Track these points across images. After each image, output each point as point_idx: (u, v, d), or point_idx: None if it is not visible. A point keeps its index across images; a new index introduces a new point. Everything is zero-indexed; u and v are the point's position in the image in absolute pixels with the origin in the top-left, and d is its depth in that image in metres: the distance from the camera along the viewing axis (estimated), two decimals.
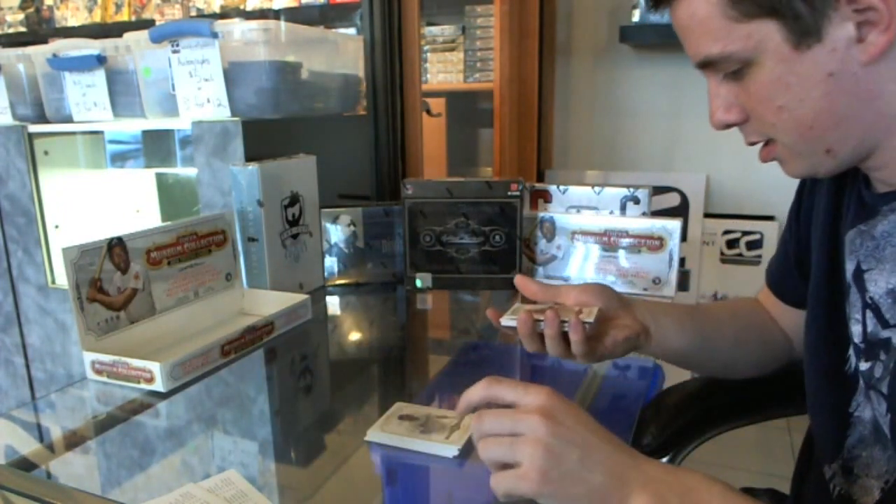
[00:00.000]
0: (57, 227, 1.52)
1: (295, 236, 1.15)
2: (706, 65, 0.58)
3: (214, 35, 1.14)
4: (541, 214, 1.23)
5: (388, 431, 0.69)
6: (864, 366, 0.60)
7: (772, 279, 0.84)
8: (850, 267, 0.62)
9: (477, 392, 0.55)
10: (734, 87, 0.58)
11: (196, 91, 1.20)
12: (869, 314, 0.59)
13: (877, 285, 0.58)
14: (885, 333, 0.58)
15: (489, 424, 0.52)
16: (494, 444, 0.51)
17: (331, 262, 1.26)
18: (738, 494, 0.49)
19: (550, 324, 0.67)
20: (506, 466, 0.50)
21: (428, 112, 2.12)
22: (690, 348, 0.79)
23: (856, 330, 0.61)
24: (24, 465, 0.69)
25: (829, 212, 0.67)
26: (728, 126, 0.61)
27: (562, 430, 0.49)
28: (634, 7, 1.86)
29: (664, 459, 0.78)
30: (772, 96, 0.55)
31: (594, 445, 0.49)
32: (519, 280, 0.76)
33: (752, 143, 0.62)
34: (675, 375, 0.91)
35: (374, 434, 0.69)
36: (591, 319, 0.68)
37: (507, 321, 0.71)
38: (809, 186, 0.74)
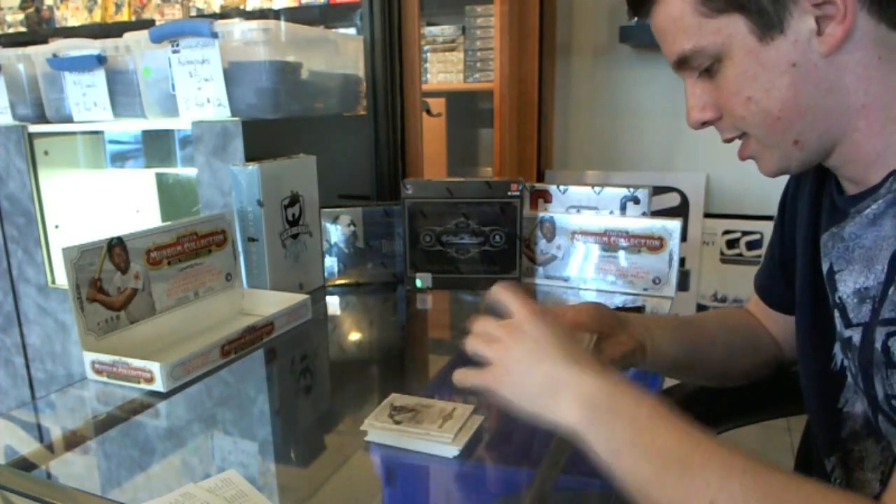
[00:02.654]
0: (57, 227, 1.52)
1: (295, 236, 1.15)
2: (681, 63, 0.61)
3: (214, 35, 1.14)
4: (541, 214, 1.23)
5: (381, 422, 0.69)
6: (846, 362, 0.63)
7: (760, 286, 0.86)
8: (824, 268, 0.64)
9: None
10: (707, 85, 0.61)
11: (196, 91, 1.20)
12: (836, 314, 0.62)
13: (845, 285, 0.60)
14: (847, 332, 0.60)
15: (478, 327, 0.63)
16: (475, 340, 0.62)
17: (331, 262, 1.26)
18: (670, 411, 0.52)
19: None
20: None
21: (428, 112, 2.12)
22: (684, 361, 0.81)
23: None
24: (24, 465, 0.69)
25: (810, 216, 0.70)
26: (704, 124, 0.64)
27: (523, 338, 0.58)
28: None
29: None
30: (740, 88, 0.58)
31: (544, 355, 0.57)
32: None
33: (728, 140, 0.65)
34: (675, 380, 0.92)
35: (368, 424, 0.70)
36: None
37: None
38: (792, 193, 0.76)
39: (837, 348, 0.64)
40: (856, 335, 0.58)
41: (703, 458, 0.48)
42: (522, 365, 0.57)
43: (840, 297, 0.61)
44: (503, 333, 0.60)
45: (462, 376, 0.62)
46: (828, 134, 0.58)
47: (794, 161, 0.61)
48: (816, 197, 0.69)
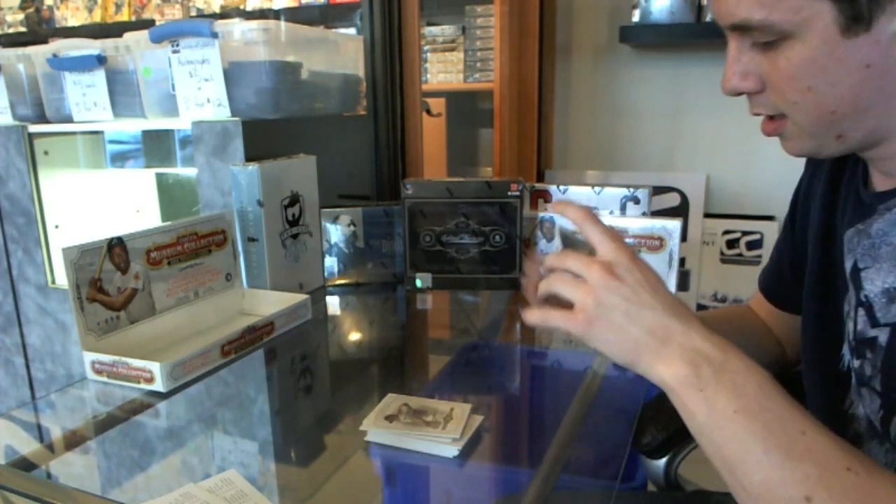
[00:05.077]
0: (57, 227, 1.52)
1: (295, 236, 1.15)
2: (739, 29, 0.56)
3: (214, 35, 1.14)
4: (541, 214, 1.23)
5: (381, 422, 0.69)
6: (856, 363, 0.61)
7: (765, 284, 0.85)
8: (847, 265, 0.62)
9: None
10: (759, 56, 0.57)
11: (196, 91, 1.20)
12: (861, 312, 0.60)
13: (873, 283, 0.59)
14: (872, 332, 0.58)
15: (565, 262, 0.57)
16: (558, 280, 0.57)
17: (331, 262, 1.26)
18: (778, 389, 0.48)
19: None
20: (561, 306, 0.57)
21: (428, 112, 2.12)
22: None
23: (850, 327, 0.62)
24: (24, 465, 0.69)
25: (824, 211, 0.68)
26: (739, 93, 0.60)
27: (618, 284, 0.54)
28: (634, 7, 1.86)
29: (663, 459, 0.78)
30: (803, 75, 0.54)
31: (645, 303, 0.53)
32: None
33: (758, 114, 0.61)
34: None
35: (368, 425, 0.70)
36: None
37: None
38: (805, 190, 0.74)
39: (845, 349, 0.63)
40: (882, 335, 0.57)
41: (808, 448, 0.45)
42: (617, 313, 0.53)
43: (866, 296, 0.59)
44: (593, 274, 0.55)
45: (543, 316, 0.57)
46: (875, 132, 0.57)
47: (828, 150, 0.59)
48: (833, 192, 0.67)
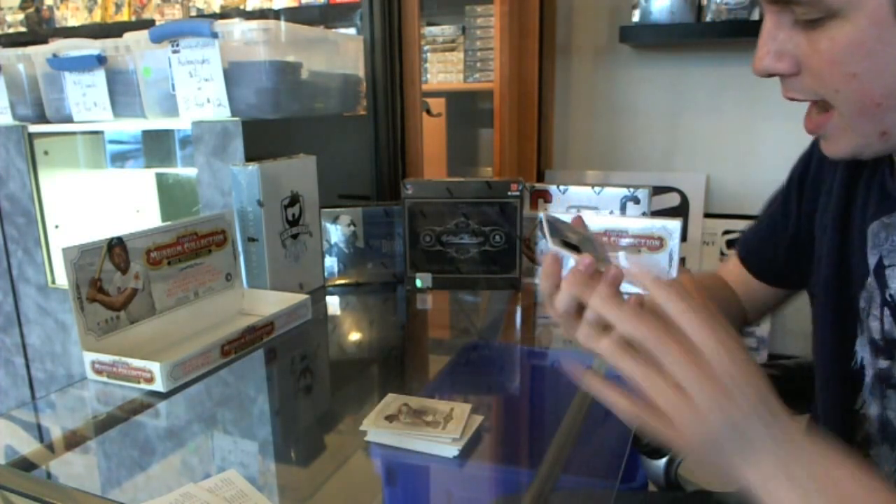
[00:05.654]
0: (57, 227, 1.52)
1: (295, 236, 1.15)
2: (780, 1, 0.51)
3: (214, 35, 1.14)
4: (541, 214, 1.23)
5: (381, 422, 0.69)
6: (883, 364, 0.58)
7: (747, 252, 0.81)
8: (872, 261, 0.59)
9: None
10: (799, 35, 0.51)
11: (196, 91, 1.20)
12: (887, 312, 0.57)
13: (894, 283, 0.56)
14: None
15: (625, 325, 0.46)
16: (622, 354, 0.46)
17: (331, 262, 1.26)
18: (868, 482, 0.45)
19: (613, 278, 0.52)
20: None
21: (428, 112, 2.12)
22: None
23: (874, 326, 0.59)
24: (24, 465, 0.69)
25: (841, 202, 0.64)
26: (771, 75, 0.54)
27: (728, 404, 0.45)
28: (634, 7, 1.86)
29: (663, 460, 0.78)
30: (847, 60, 0.49)
31: (736, 404, 0.45)
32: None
33: (792, 99, 0.56)
34: None
35: (368, 425, 0.70)
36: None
37: (561, 249, 0.55)
38: (815, 173, 0.70)
39: (859, 345, 0.61)
40: None
41: None
42: (705, 407, 0.45)
43: (892, 295, 0.57)
44: (701, 391, 0.45)
45: (632, 409, 0.47)
46: None
47: (872, 149, 0.55)
48: (852, 183, 0.64)
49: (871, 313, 0.60)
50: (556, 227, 0.56)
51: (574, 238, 0.57)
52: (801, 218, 0.73)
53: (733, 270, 0.84)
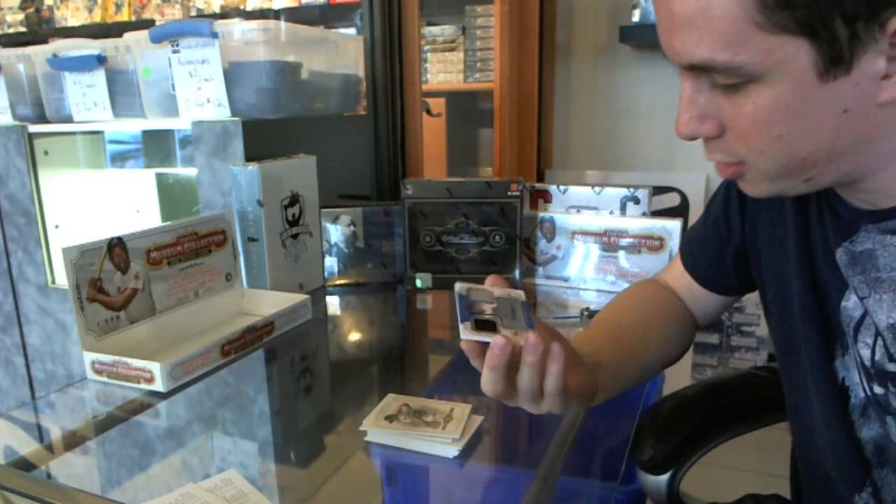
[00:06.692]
0: (57, 227, 1.52)
1: (295, 236, 1.15)
2: (697, 69, 0.49)
3: (214, 35, 1.14)
4: (541, 214, 1.23)
5: (381, 422, 0.69)
6: (878, 390, 0.57)
7: (693, 263, 0.79)
8: (850, 291, 0.58)
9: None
10: (720, 98, 0.50)
11: (196, 91, 1.20)
12: (880, 342, 0.56)
13: (877, 317, 0.55)
14: (891, 366, 0.55)
15: None
16: None
17: (331, 262, 1.26)
18: None
19: (532, 348, 0.53)
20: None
21: (428, 112, 2.12)
22: (628, 381, 0.73)
23: (865, 354, 0.58)
24: (24, 465, 0.69)
25: (799, 225, 0.63)
26: (695, 138, 0.53)
27: None
28: (634, 7, 1.86)
29: (665, 475, 0.76)
30: (773, 121, 0.48)
31: None
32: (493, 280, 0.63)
33: (713, 160, 0.55)
34: (673, 382, 0.91)
35: (368, 425, 0.70)
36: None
37: (474, 336, 0.54)
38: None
39: (839, 365, 0.60)
40: None
41: None
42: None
43: (876, 326, 0.55)
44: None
45: None
46: (848, 175, 0.52)
47: (793, 192, 0.54)
48: (802, 206, 0.62)
49: (864, 342, 0.58)
50: (470, 302, 0.56)
51: (489, 310, 0.57)
52: (744, 231, 0.72)
53: (679, 277, 0.82)
